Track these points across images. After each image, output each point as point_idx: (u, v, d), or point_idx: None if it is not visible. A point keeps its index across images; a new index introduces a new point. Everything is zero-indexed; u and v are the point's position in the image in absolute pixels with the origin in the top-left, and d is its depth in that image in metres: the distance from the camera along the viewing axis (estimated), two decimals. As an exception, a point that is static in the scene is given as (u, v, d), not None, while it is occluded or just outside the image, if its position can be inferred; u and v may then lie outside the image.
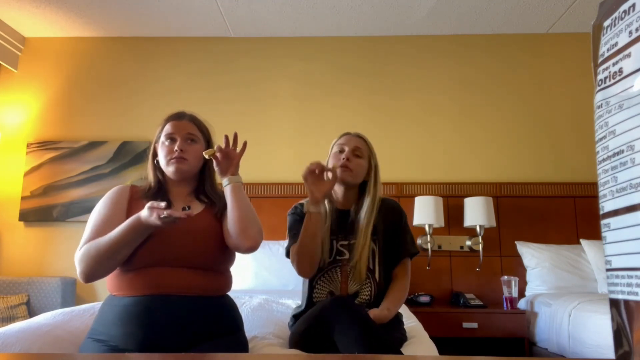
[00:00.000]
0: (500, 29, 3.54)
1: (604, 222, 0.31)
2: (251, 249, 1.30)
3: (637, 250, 0.28)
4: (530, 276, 3.04)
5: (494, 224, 3.07)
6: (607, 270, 0.31)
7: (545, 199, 3.29)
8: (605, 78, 0.32)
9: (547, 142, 3.42)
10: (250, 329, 1.56)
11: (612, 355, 0.30)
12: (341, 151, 1.62)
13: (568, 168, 3.36)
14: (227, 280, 1.38)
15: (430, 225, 3.06)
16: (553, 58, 3.54)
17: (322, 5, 3.26)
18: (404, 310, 1.94)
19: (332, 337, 1.27)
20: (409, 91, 3.54)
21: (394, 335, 1.47)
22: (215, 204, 1.39)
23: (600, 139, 0.32)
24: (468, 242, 3.23)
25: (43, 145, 3.49)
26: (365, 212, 1.58)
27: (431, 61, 3.59)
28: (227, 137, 1.35)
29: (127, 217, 1.26)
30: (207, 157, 1.33)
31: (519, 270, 3.13)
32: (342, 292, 1.57)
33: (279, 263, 2.89)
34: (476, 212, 3.05)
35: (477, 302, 2.90)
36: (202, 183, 1.44)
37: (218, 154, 1.34)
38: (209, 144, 1.46)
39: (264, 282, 2.87)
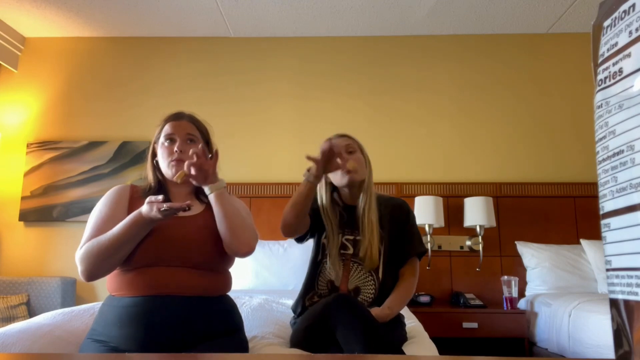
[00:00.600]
0: (500, 29, 3.54)
1: (604, 222, 0.31)
2: (247, 253, 1.31)
3: (637, 250, 0.28)
4: (530, 276, 3.04)
5: (494, 224, 3.07)
6: (607, 270, 0.31)
7: (545, 199, 3.29)
8: (605, 78, 0.32)
9: (547, 142, 3.42)
10: (250, 329, 1.56)
11: (612, 355, 0.30)
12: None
13: (568, 168, 3.36)
14: (227, 281, 1.38)
15: (430, 225, 3.06)
16: (553, 58, 3.54)
17: (322, 5, 3.26)
18: (404, 310, 1.94)
19: (335, 335, 1.27)
20: (409, 91, 3.54)
21: (395, 335, 1.47)
22: None
23: (600, 139, 0.32)
24: (468, 242, 3.23)
25: (43, 145, 3.49)
26: (367, 201, 1.60)
27: (431, 61, 3.58)
28: (188, 162, 1.27)
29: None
30: (179, 181, 1.28)
31: (519, 270, 3.13)
32: (341, 285, 1.58)
33: (279, 263, 2.89)
34: (476, 212, 3.06)
35: (477, 302, 2.91)
36: None
37: (192, 172, 1.27)
38: (208, 144, 1.46)
39: (264, 282, 2.87)
